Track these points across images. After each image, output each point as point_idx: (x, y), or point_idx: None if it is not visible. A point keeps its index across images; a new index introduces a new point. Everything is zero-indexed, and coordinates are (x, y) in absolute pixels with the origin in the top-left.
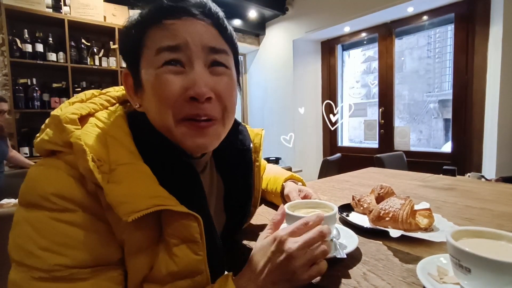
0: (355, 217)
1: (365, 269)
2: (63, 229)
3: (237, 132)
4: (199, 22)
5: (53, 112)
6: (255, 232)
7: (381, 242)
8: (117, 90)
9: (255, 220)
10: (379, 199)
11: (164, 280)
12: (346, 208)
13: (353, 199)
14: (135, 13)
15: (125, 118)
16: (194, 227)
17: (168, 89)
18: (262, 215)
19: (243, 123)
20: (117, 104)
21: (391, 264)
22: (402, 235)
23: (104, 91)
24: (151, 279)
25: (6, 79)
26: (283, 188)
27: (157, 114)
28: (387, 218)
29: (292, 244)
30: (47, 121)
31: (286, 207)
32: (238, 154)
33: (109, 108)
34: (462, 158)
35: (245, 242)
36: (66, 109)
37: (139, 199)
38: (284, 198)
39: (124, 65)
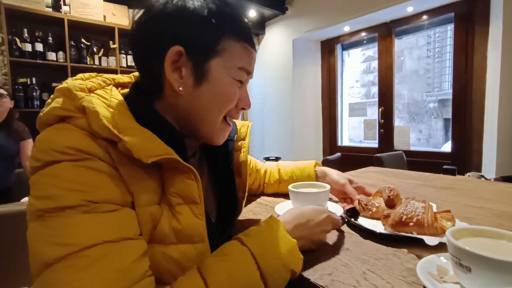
0: (364, 223)
1: (364, 268)
2: (86, 173)
3: None
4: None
5: (58, 87)
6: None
7: (380, 241)
8: (110, 75)
9: (253, 216)
10: (389, 201)
11: (168, 239)
12: (351, 213)
13: (359, 203)
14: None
15: (122, 98)
16: (194, 186)
17: (233, 99)
18: (260, 213)
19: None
20: (111, 86)
21: (391, 263)
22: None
23: (99, 74)
24: (154, 239)
25: (5, 79)
26: (317, 173)
27: (206, 109)
28: (411, 223)
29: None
30: (52, 95)
31: (290, 187)
32: (223, 144)
33: (106, 88)
34: (462, 158)
35: None
36: (72, 82)
37: (154, 148)
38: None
39: (124, 64)
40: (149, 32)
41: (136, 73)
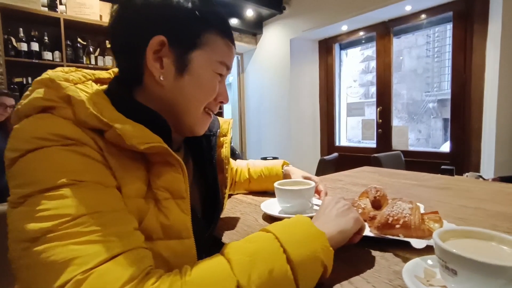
0: None
1: (350, 271)
2: (72, 155)
3: None
4: None
5: (38, 78)
6: (241, 232)
7: (367, 244)
8: (90, 70)
9: (241, 216)
10: (376, 202)
11: (155, 234)
12: None
13: None
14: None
15: (103, 92)
16: (181, 180)
17: (214, 92)
18: (249, 214)
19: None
20: (91, 81)
21: (377, 265)
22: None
23: (79, 69)
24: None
25: (1, 78)
26: (284, 172)
27: (188, 100)
28: (397, 226)
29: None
30: (31, 87)
31: (276, 184)
32: (205, 138)
33: (85, 82)
34: (461, 158)
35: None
36: (54, 73)
37: (146, 136)
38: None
39: None
40: (132, 22)
41: (116, 69)
